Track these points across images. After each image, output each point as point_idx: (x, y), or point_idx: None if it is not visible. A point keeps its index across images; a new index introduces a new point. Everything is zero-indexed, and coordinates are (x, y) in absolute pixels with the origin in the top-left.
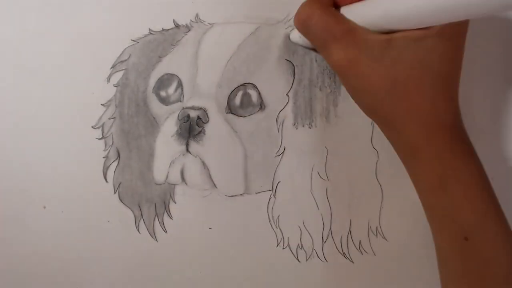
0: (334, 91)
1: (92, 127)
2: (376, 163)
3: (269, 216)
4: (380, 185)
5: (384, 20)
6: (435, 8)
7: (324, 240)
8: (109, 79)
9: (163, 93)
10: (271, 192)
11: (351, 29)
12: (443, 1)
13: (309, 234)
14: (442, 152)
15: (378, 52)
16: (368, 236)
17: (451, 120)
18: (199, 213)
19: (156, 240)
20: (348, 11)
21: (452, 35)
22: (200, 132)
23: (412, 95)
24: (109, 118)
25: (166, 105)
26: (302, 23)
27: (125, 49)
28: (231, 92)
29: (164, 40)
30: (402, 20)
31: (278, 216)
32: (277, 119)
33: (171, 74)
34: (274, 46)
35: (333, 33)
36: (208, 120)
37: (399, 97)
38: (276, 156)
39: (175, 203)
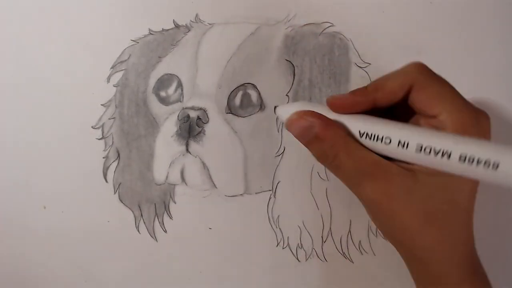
0: (334, 93)
1: (92, 127)
2: None
3: (269, 216)
4: None
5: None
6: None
7: (324, 240)
8: (109, 79)
9: (163, 93)
10: (271, 192)
11: (377, 162)
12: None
13: (309, 234)
14: (463, 280)
15: (408, 187)
16: (368, 236)
17: (470, 249)
18: (199, 213)
19: (156, 240)
20: (368, 141)
21: None
22: (200, 132)
23: (441, 229)
24: (109, 118)
25: (166, 105)
26: (329, 164)
27: (125, 49)
28: (231, 92)
29: (164, 40)
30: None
31: (278, 216)
32: (277, 119)
33: (171, 74)
34: (274, 47)
35: (365, 171)
36: (208, 120)
37: (429, 232)
38: (276, 156)
39: (175, 203)
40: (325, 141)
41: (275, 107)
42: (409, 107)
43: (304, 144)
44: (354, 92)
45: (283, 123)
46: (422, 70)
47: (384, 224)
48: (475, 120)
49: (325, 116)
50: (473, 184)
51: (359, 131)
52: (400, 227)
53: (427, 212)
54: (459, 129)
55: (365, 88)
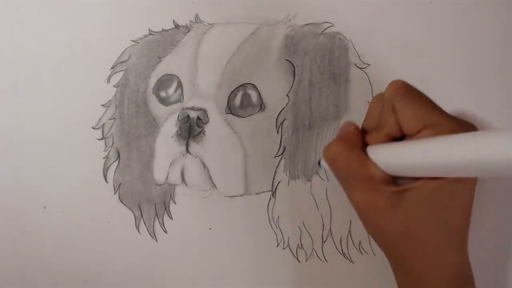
0: (334, 93)
1: (92, 127)
2: None
3: (269, 217)
4: None
5: (406, 168)
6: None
7: (324, 240)
8: (109, 79)
9: (163, 94)
10: (271, 192)
11: (371, 176)
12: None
13: (309, 234)
14: None
15: (394, 202)
16: (368, 236)
17: (458, 269)
18: (199, 213)
19: (156, 240)
20: (374, 151)
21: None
22: (200, 132)
23: (423, 244)
24: (109, 119)
25: (166, 105)
26: (329, 161)
27: (125, 49)
28: (231, 93)
29: (164, 40)
30: (425, 170)
31: (278, 216)
32: (277, 119)
33: (171, 74)
34: (274, 47)
35: (355, 177)
36: (208, 121)
37: (409, 245)
38: (276, 156)
39: (175, 203)
40: (335, 142)
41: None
42: None
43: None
44: (373, 137)
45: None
46: (397, 91)
47: (370, 231)
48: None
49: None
50: (467, 208)
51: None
52: (384, 237)
53: (407, 227)
54: None
55: (378, 131)
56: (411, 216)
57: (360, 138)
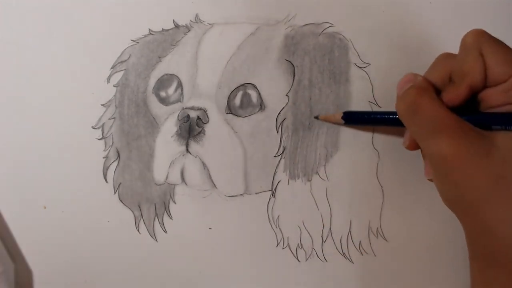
0: (334, 93)
1: (92, 127)
2: (377, 163)
3: (269, 216)
4: (381, 186)
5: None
6: None
7: (324, 240)
8: (109, 79)
9: (163, 94)
10: (271, 192)
11: (462, 122)
12: None
13: (309, 234)
14: None
15: (487, 149)
16: (369, 236)
17: None
18: (199, 213)
19: (156, 240)
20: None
21: None
22: (200, 132)
23: None
24: (109, 118)
25: (166, 105)
26: (408, 107)
27: (125, 49)
28: (231, 93)
29: (164, 40)
30: None
31: (278, 216)
32: (276, 119)
33: (171, 74)
34: (274, 47)
35: (444, 124)
36: (208, 121)
37: (500, 200)
38: (276, 156)
39: (175, 203)
40: (413, 89)
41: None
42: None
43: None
44: (453, 91)
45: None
46: (484, 36)
47: (449, 186)
48: None
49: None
50: None
51: None
52: (469, 190)
53: (501, 177)
54: None
55: (458, 84)
56: (504, 164)
57: (434, 88)
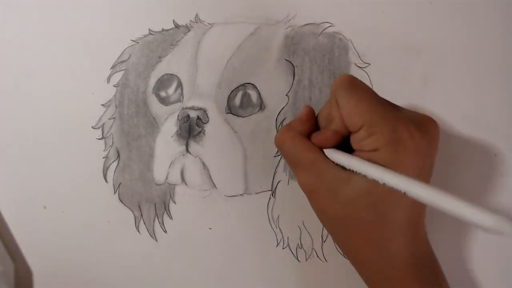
0: None
1: (92, 127)
2: None
3: (269, 216)
4: None
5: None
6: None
7: (324, 240)
8: (109, 79)
9: (163, 94)
10: (270, 192)
11: (315, 161)
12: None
13: (309, 234)
14: (401, 280)
15: (336, 188)
16: None
17: (411, 256)
18: (199, 213)
19: (156, 240)
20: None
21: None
22: (200, 132)
23: (365, 232)
24: (109, 118)
25: (166, 105)
26: (277, 145)
27: (125, 49)
28: (231, 92)
29: (164, 40)
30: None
31: (278, 216)
32: (276, 119)
33: (171, 74)
34: (274, 47)
35: (299, 160)
36: (208, 121)
37: (352, 231)
38: (276, 156)
39: (175, 203)
40: (283, 129)
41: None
42: None
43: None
44: (321, 134)
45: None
46: (341, 84)
47: (317, 214)
48: (388, 135)
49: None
50: (414, 204)
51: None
52: (328, 221)
53: (347, 215)
54: (372, 144)
55: (326, 128)
56: (352, 206)
57: (311, 124)
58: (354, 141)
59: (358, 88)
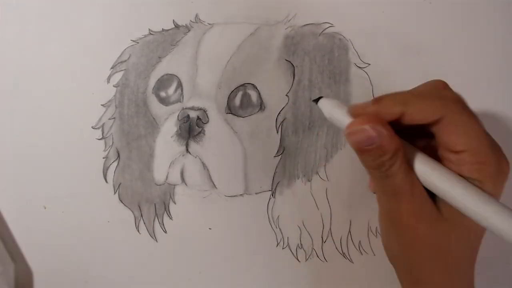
0: (334, 93)
1: (92, 127)
2: None
3: (268, 216)
4: None
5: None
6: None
7: (324, 240)
8: (109, 79)
9: (163, 94)
10: (270, 192)
11: (418, 187)
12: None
13: (309, 234)
14: None
15: (436, 218)
16: (368, 236)
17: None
18: (199, 213)
19: (156, 240)
20: (422, 169)
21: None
22: (200, 132)
23: (446, 265)
24: (109, 119)
25: (166, 105)
26: (380, 172)
27: (125, 49)
28: (231, 93)
29: (164, 40)
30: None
31: (278, 216)
32: (276, 119)
33: (170, 74)
34: (274, 47)
35: (407, 189)
36: (208, 121)
37: (436, 267)
38: (276, 156)
39: (175, 203)
40: (387, 153)
41: (318, 98)
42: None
43: (357, 150)
44: (379, 101)
45: (326, 116)
46: (457, 102)
47: (396, 242)
48: (495, 167)
49: (388, 125)
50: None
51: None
52: (411, 253)
53: (443, 250)
54: (477, 173)
55: (393, 97)
56: (448, 237)
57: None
58: (448, 158)
59: (469, 108)
